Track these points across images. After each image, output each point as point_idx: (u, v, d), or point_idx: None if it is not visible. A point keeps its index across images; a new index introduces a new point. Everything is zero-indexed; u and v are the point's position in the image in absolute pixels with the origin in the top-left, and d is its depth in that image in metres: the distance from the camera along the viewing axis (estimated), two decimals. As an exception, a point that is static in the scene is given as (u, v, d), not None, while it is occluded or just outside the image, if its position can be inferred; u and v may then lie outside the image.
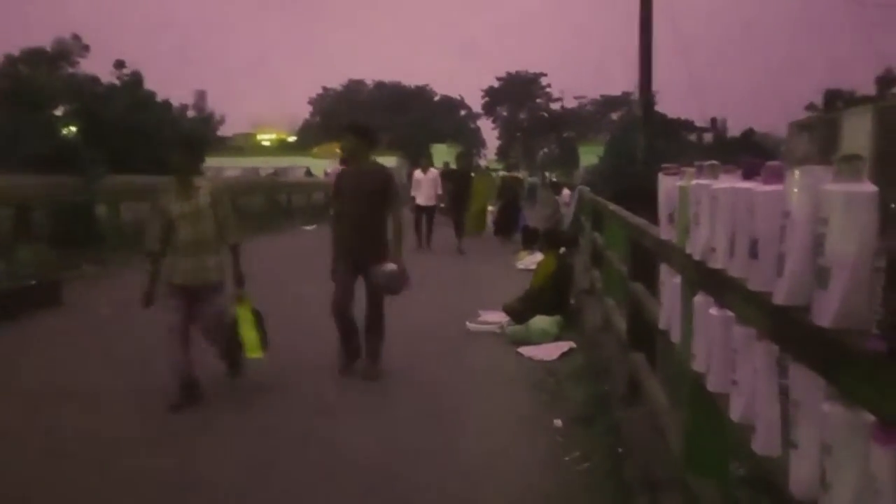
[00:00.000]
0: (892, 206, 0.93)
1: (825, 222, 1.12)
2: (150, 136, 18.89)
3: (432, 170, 13.87)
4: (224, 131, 39.40)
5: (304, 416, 4.47)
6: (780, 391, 1.46)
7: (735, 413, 1.71)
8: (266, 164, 35.43)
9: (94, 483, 3.52)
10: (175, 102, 24.61)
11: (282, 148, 54.20)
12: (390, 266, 5.05)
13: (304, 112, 66.13)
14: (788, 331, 1.30)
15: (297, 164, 37.75)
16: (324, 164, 31.65)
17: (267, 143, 57.11)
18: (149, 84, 21.35)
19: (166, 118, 21.72)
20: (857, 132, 8.71)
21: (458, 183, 14.05)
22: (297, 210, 21.34)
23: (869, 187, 1.09)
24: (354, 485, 3.56)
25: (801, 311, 1.22)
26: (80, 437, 4.10)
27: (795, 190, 1.25)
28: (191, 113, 25.66)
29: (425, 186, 13.53)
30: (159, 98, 21.86)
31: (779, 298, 1.31)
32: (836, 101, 29.73)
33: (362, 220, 5.17)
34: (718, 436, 2.12)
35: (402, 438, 4.14)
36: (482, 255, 12.91)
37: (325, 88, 66.99)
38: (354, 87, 66.03)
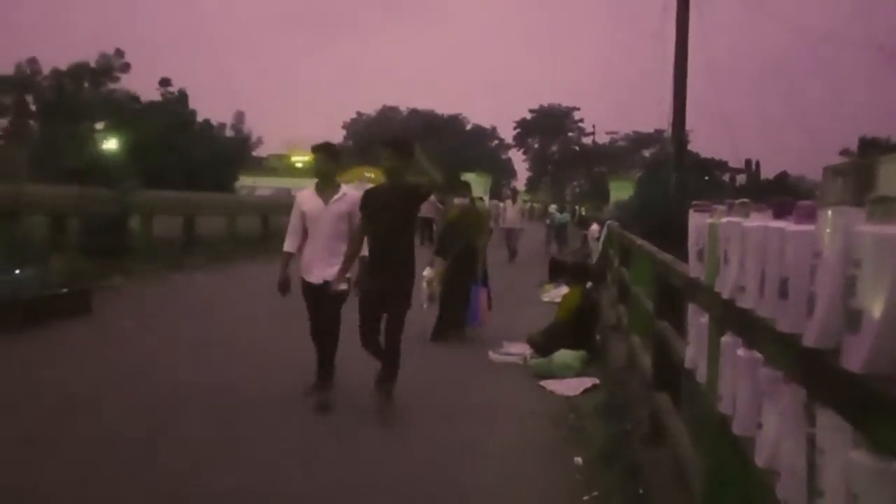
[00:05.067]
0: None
1: (858, 264, 1.09)
2: (186, 153, 19.33)
3: (349, 192, 5.38)
4: (259, 152, 40.13)
5: (317, 442, 4.45)
6: (807, 437, 1.41)
7: (760, 458, 1.66)
8: (296, 185, 35.89)
9: (114, 493, 3.54)
10: (214, 122, 25.17)
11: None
12: None
13: (338, 136, 67.14)
14: (817, 374, 1.27)
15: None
16: (353, 188, 31.92)
17: (300, 165, 57.90)
18: (190, 102, 21.91)
19: (204, 137, 22.21)
20: (894, 180, 8.56)
21: (384, 221, 4.90)
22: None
23: (904, 230, 1.07)
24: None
25: (830, 354, 1.19)
26: (97, 446, 4.13)
27: (828, 230, 1.23)
28: (229, 133, 26.15)
29: (320, 234, 5.21)
30: (199, 117, 22.41)
31: (808, 341, 1.28)
32: (871, 148, 29.37)
33: None
34: (742, 481, 2.06)
35: (418, 469, 4.10)
36: (506, 284, 12.84)
37: (358, 113, 68.04)
38: (388, 112, 66.96)
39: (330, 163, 5.28)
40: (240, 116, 26.88)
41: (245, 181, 29.76)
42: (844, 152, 32.23)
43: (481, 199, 20.64)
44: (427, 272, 7.56)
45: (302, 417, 4.80)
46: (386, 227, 4.81)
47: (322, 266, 5.05)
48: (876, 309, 1.05)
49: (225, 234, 16.15)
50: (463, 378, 6.17)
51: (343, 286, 4.95)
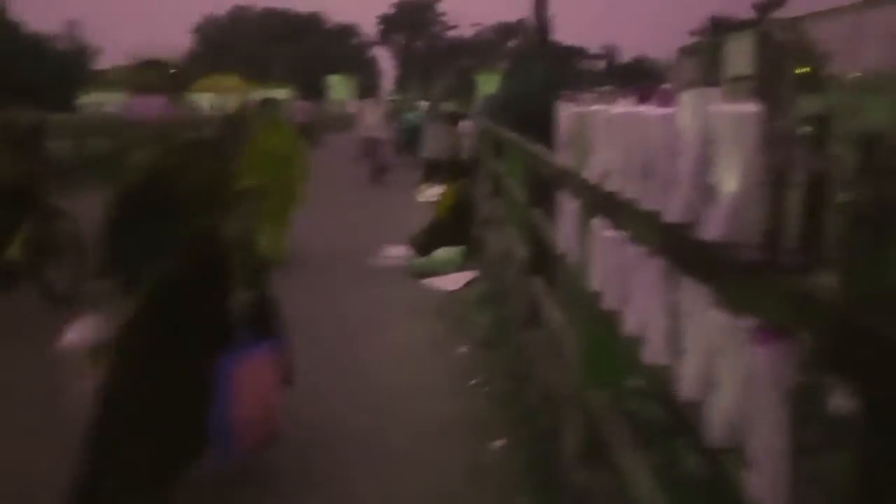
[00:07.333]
0: (774, 124, 0.99)
1: (713, 142, 1.17)
2: (13, 69, 17.32)
3: None
4: (100, 64, 36.57)
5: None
6: (669, 304, 1.55)
7: (629, 327, 1.81)
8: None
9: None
10: (43, 33, 22.53)
11: (165, 81, 50.69)
12: None
13: (188, 42, 62.14)
14: (678, 246, 1.38)
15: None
16: (210, 98, 29.98)
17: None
18: (12, 14, 19.42)
19: (33, 50, 19.93)
20: (740, 56, 9.13)
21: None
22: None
23: (753, 107, 1.15)
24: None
25: (690, 227, 1.29)
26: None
27: (685, 112, 1.30)
28: (62, 45, 23.54)
29: None
30: (25, 30, 19.98)
31: (670, 216, 1.38)
32: (720, 27, 31.11)
33: None
34: (613, 350, 2.24)
35: (303, 372, 4.13)
36: (383, 188, 12.82)
37: (208, 16, 63.09)
38: (240, 14, 62.51)
39: None
40: (73, 25, 24.19)
41: (88, 99, 27.28)
42: (694, 32, 33.90)
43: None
44: (72, 336, 2.69)
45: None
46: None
47: None
48: (731, 182, 1.14)
49: (71, 158, 14.78)
50: (345, 282, 6.20)
51: None
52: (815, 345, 0.89)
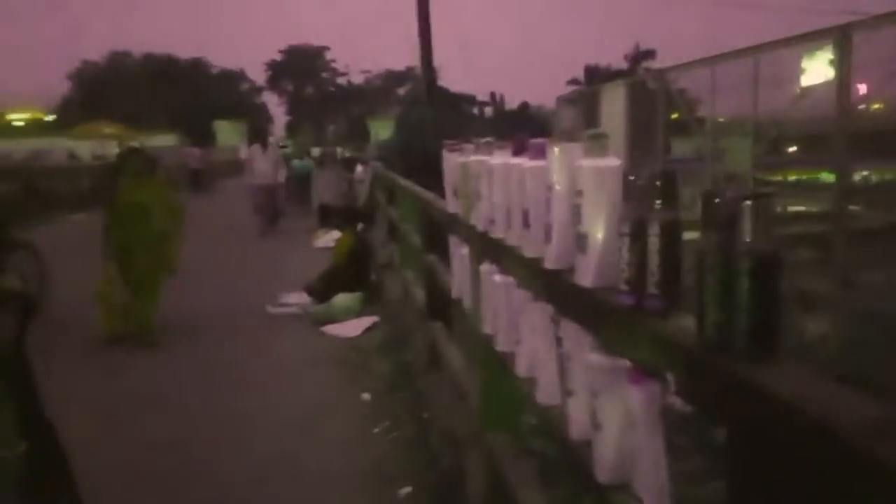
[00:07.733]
0: (631, 178, 1.07)
1: (581, 194, 1.25)
2: None
3: None
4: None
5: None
6: (556, 346, 1.61)
7: (520, 369, 1.87)
8: (18, 147, 31.48)
9: None
10: None
11: (39, 128, 48.17)
12: None
13: (63, 88, 59.29)
14: (557, 291, 1.45)
15: (58, 146, 33.84)
16: (90, 146, 28.69)
17: (20, 124, 50.40)
18: None
19: None
20: (614, 105, 9.72)
21: None
22: (61, 198, 19.21)
23: (613, 161, 1.24)
24: (157, 479, 3.35)
25: (567, 273, 1.37)
26: None
27: (555, 165, 1.39)
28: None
29: None
30: None
31: (548, 263, 1.45)
32: (595, 76, 33.05)
33: None
34: (509, 391, 2.29)
35: (204, 429, 3.97)
36: (278, 235, 12.60)
37: (85, 61, 60.59)
38: (119, 59, 60.41)
39: None
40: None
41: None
42: (572, 81, 35.79)
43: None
44: None
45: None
46: None
47: None
48: (597, 232, 1.22)
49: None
50: (243, 334, 6.01)
51: None
52: (678, 383, 0.96)
